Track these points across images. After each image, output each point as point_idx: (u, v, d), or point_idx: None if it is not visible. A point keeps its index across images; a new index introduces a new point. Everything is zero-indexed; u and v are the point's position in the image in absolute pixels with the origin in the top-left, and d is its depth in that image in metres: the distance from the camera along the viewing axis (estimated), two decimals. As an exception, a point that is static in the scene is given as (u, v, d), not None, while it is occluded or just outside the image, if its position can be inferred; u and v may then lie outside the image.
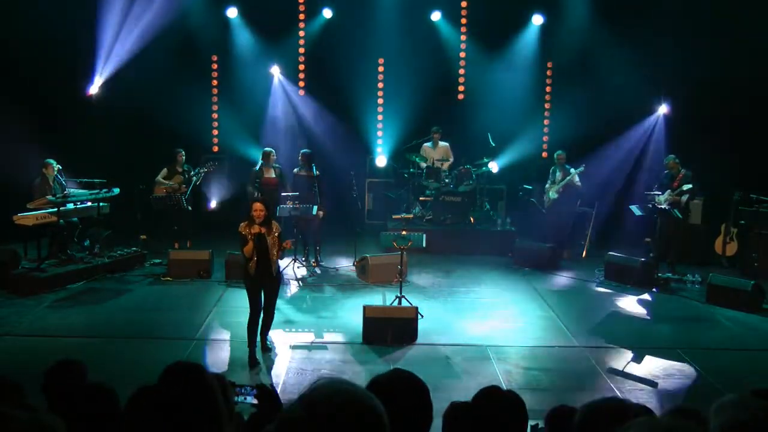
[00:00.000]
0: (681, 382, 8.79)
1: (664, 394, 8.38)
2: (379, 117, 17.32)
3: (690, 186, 13.25)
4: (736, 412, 2.54)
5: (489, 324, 10.72)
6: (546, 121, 17.52)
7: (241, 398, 3.70)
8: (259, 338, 9.18)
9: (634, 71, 15.34)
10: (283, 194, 13.54)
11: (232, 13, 16.71)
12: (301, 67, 17.34)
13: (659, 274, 13.20)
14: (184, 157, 14.63)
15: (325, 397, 1.93)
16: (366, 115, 17.05)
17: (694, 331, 10.81)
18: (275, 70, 17.04)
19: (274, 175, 13.83)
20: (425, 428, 2.87)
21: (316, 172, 13.77)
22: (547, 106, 17.51)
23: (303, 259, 13.78)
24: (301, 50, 17.23)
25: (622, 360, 9.46)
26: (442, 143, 15.94)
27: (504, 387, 3.52)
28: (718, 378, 8.74)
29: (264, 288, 9.10)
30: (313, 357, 9.28)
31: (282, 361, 9.08)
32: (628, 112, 16.16)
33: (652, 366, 9.26)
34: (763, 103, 14.61)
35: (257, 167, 13.92)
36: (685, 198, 13.42)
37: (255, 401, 3.75)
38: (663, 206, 13.41)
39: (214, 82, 17.19)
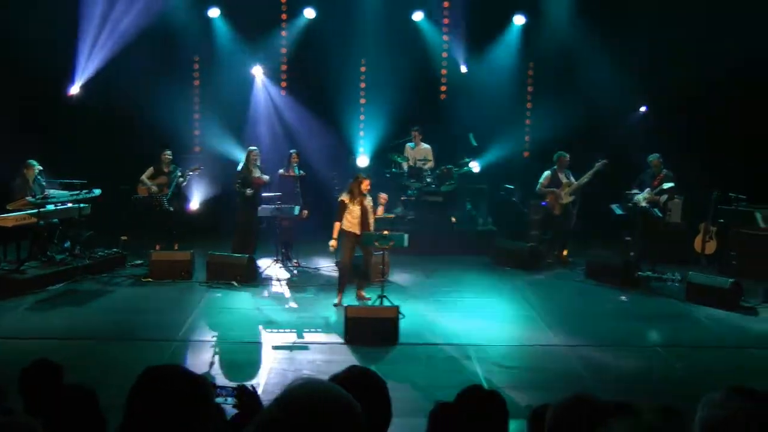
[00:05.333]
0: (661, 380, 8.80)
1: (644, 392, 8.30)
2: (361, 117, 17.26)
3: (671, 185, 13.35)
4: (717, 409, 2.63)
5: (470, 323, 10.71)
6: (528, 121, 17.59)
7: (221, 399, 3.65)
8: None
9: (615, 71, 15.40)
10: (264, 194, 13.62)
11: (213, 13, 16.61)
12: (284, 67, 17.31)
13: (640, 273, 13.24)
14: (170, 157, 14.44)
15: (303, 398, 1.92)
16: (348, 115, 16.99)
17: (673, 330, 10.88)
18: (257, 71, 16.96)
19: (259, 174, 13.80)
20: (385, 425, 2.90)
21: (299, 173, 13.81)
22: (528, 105, 17.59)
23: (284, 259, 13.80)
24: (283, 50, 17.20)
25: (603, 358, 9.47)
26: (424, 145, 15.87)
27: (486, 386, 3.46)
28: (697, 376, 8.80)
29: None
30: (294, 357, 9.27)
31: (263, 362, 9.06)
32: (609, 111, 16.23)
33: (632, 364, 9.32)
34: (741, 104, 14.68)
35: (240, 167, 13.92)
36: (664, 198, 13.53)
37: (236, 402, 3.69)
38: (643, 205, 13.49)
39: (196, 83, 17.15)
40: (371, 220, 11.56)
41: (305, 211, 13.59)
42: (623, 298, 12.52)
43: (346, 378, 2.89)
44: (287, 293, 12.30)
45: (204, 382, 2.94)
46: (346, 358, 9.15)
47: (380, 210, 11.64)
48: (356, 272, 11.79)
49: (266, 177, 13.79)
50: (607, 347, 9.91)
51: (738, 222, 13.95)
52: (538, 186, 14.84)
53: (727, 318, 11.37)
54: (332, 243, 11.47)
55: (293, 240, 14.10)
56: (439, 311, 11.33)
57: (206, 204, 16.01)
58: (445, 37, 17.24)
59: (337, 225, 11.41)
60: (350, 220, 11.36)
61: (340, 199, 11.56)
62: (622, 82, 15.55)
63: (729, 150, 14.47)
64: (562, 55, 16.36)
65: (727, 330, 10.87)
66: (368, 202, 11.53)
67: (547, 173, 14.76)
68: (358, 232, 11.35)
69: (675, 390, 8.34)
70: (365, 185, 11.42)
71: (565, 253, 14.84)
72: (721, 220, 14.07)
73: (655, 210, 13.42)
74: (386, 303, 10.80)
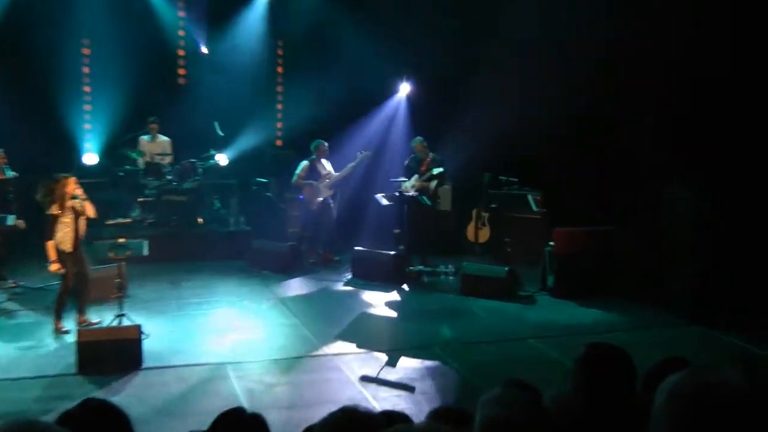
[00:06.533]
0: (439, 382, 8.71)
1: (422, 397, 8.22)
2: (86, 107, 15.84)
3: (441, 170, 13.32)
4: (497, 408, 2.66)
5: (226, 338, 10.11)
6: (279, 105, 17.37)
7: None
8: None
9: (373, 51, 15.13)
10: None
11: None
12: (-13, 50, 15.45)
13: (410, 268, 13.21)
14: None
15: None
16: (70, 106, 15.45)
17: (449, 326, 10.83)
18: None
19: None
20: None
21: (10, 175, 12.53)
22: (279, 89, 17.32)
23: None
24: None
25: (376, 365, 9.17)
26: (162, 137, 15.14)
27: (247, 408, 3.52)
28: (476, 373, 8.86)
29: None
30: (15, 397, 8.06)
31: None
32: (369, 94, 16.14)
33: (408, 368, 9.09)
34: (503, 81, 14.62)
35: None
36: (434, 184, 13.48)
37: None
38: (411, 193, 13.36)
39: None
40: (82, 225, 10.08)
41: (21, 221, 12.08)
42: (395, 295, 12.43)
43: (81, 414, 2.89)
44: (4, 319, 10.87)
45: None
46: (79, 392, 8.06)
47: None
48: (75, 291, 10.32)
49: None
50: (380, 352, 9.63)
51: (511, 206, 14.16)
52: (295, 177, 14.38)
53: (505, 309, 11.56)
54: (53, 267, 9.90)
55: (8, 256, 12.56)
56: (190, 327, 10.64)
57: None
58: (181, 14, 16.36)
59: (51, 244, 9.84)
60: (62, 236, 9.85)
61: (48, 212, 9.85)
62: (382, 62, 15.41)
63: (494, 132, 14.49)
64: (315, 33, 16.13)
65: (505, 322, 11.03)
66: (78, 205, 9.96)
67: (304, 163, 14.32)
68: (70, 248, 9.87)
69: (454, 390, 8.45)
70: (71, 186, 9.91)
71: (328, 251, 14.53)
72: (494, 205, 14.26)
73: (424, 198, 13.35)
74: (126, 322, 9.78)
